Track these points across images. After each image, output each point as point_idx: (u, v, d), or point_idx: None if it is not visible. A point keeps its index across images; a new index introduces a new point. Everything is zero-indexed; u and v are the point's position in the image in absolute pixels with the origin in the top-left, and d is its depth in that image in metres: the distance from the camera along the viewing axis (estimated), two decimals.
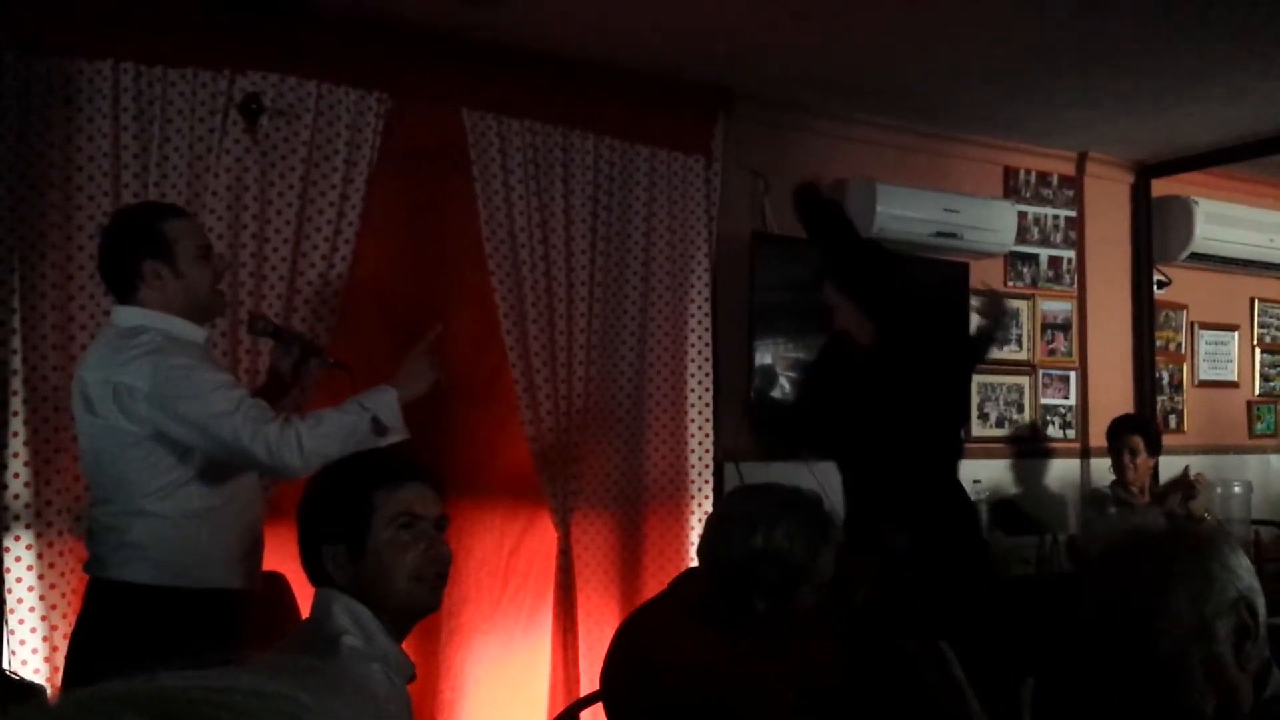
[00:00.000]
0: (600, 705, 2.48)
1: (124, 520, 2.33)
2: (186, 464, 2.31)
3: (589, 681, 3.53)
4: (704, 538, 2.13)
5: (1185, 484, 4.19)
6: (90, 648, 2.34)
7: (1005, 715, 1.42)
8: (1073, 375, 5.09)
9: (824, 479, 4.07)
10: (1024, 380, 4.95)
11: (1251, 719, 1.32)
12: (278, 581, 2.77)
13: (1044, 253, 4.99)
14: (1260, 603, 1.34)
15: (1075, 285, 5.09)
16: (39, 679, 2.75)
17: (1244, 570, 1.35)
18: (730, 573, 2.03)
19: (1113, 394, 5.07)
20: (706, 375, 3.92)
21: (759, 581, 2.00)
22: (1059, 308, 5.07)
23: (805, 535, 2.01)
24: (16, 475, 2.88)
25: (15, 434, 2.88)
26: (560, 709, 2.86)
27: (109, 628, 2.29)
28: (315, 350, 2.78)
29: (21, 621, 2.84)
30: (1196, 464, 5.32)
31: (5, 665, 2.75)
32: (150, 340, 2.28)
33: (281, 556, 2.49)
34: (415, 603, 1.78)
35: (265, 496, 2.66)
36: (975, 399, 4.79)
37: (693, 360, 3.91)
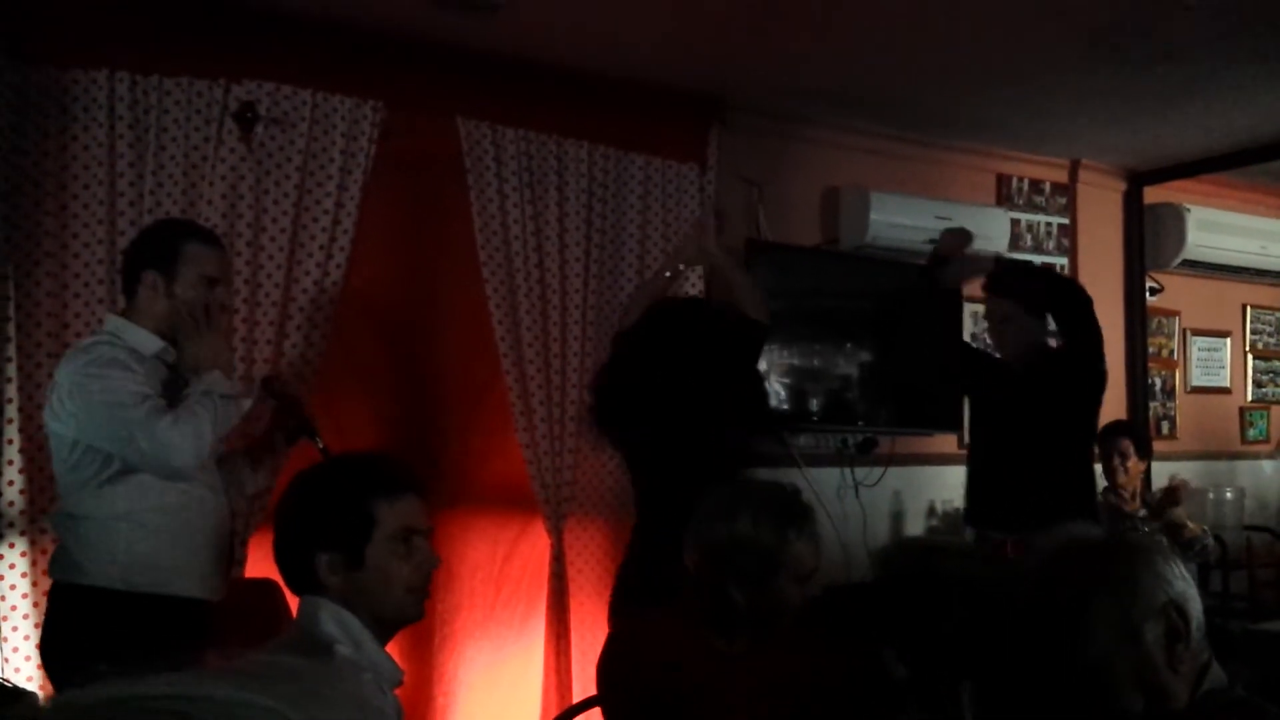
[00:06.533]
0: (591, 712, 2.50)
1: (62, 522, 2.39)
2: (109, 466, 2.30)
3: (581, 688, 3.53)
4: (684, 535, 2.15)
5: (1167, 491, 4.22)
6: (47, 648, 2.38)
7: (947, 716, 1.47)
8: None
9: (815, 482, 4.10)
10: None
11: (1187, 714, 1.39)
12: (271, 588, 2.76)
13: (1037, 259, 5.00)
14: (1193, 607, 1.41)
15: None
16: (32, 686, 2.75)
17: (1175, 577, 1.42)
18: (705, 564, 2.06)
19: (1105, 400, 5.07)
20: None
21: (733, 571, 2.02)
22: None
23: (771, 522, 2.03)
24: (11, 483, 2.89)
25: (10, 441, 2.89)
26: (553, 716, 2.87)
27: (57, 627, 2.33)
28: (309, 430, 2.67)
29: (15, 629, 2.85)
30: (1189, 470, 5.33)
31: None
32: (98, 342, 2.32)
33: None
34: (407, 614, 1.80)
35: (231, 506, 2.61)
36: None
37: None
